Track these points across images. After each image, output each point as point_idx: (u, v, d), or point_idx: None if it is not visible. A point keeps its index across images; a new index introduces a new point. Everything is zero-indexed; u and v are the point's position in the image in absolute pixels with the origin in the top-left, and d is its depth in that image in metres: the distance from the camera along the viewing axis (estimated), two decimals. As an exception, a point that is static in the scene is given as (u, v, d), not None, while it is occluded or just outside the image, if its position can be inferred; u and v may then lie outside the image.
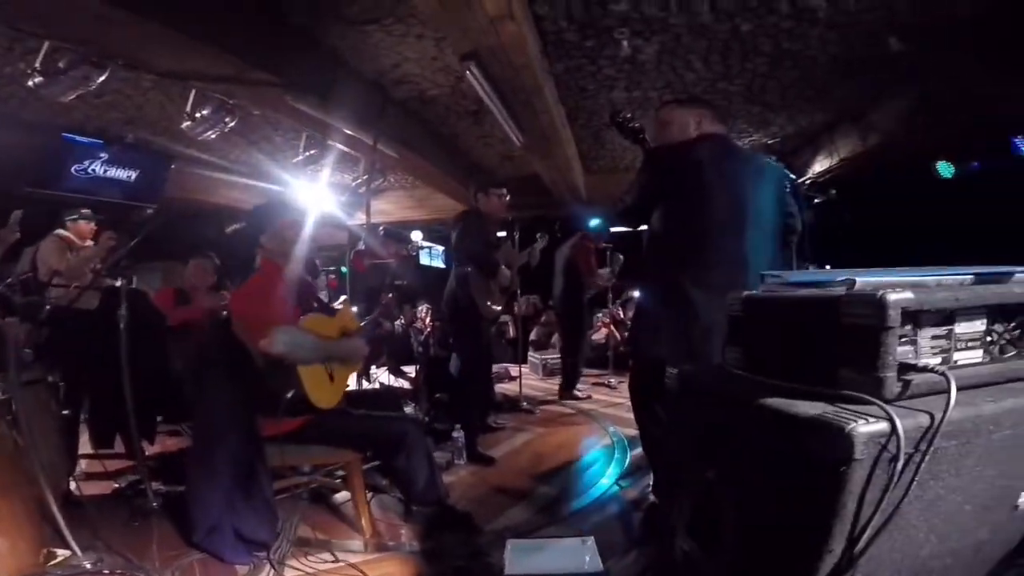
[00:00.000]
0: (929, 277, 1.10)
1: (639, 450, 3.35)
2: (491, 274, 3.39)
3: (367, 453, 2.39)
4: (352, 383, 5.18)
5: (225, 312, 2.82)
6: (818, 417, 0.92)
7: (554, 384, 5.87)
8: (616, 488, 2.90)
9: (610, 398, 5.37)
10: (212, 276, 3.61)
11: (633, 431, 3.73)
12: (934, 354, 1.02)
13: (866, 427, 0.86)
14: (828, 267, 7.62)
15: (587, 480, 3.06)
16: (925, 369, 0.97)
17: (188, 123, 4.19)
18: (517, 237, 3.98)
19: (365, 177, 5.86)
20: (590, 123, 5.44)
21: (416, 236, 7.74)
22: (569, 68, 4.11)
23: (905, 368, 0.96)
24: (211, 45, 3.04)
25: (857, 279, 1.05)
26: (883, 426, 0.86)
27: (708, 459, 1.24)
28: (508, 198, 3.54)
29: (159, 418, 3.00)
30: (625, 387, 5.53)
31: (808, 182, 6.36)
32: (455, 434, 3.36)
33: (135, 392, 2.36)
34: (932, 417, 0.89)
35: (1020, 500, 1.06)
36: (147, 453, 2.68)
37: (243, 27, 3.15)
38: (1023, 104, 3.81)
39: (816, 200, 6.39)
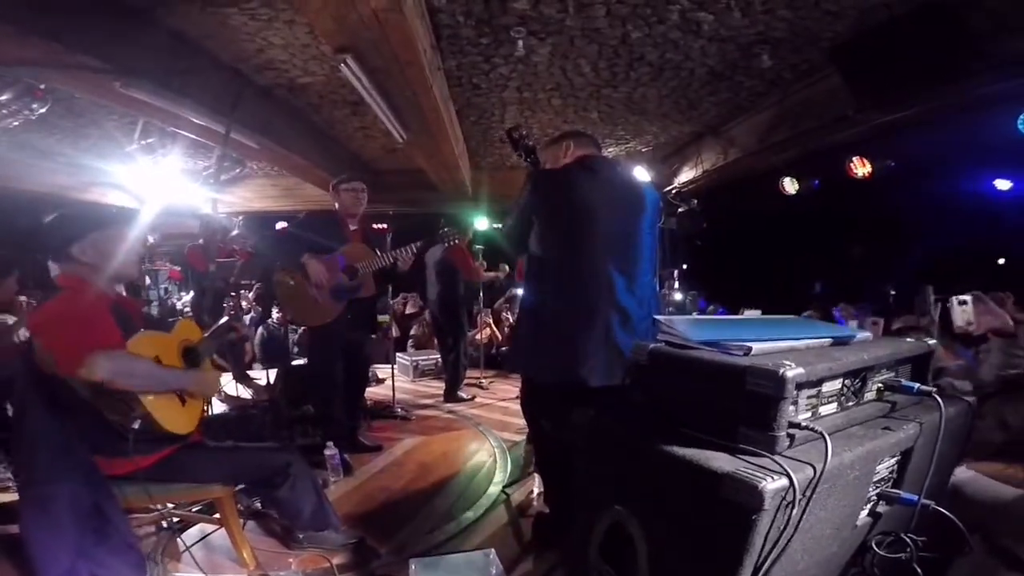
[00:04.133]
0: (799, 342, 1.46)
1: (518, 454, 3.51)
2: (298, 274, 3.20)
3: (240, 486, 2.17)
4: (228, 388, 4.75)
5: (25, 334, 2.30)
6: (733, 474, 1.11)
7: (426, 386, 5.83)
8: (504, 496, 2.94)
9: (483, 399, 5.40)
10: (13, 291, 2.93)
11: (510, 435, 4.01)
12: (807, 409, 1.29)
13: (773, 484, 1.07)
14: (685, 266, 8.20)
15: (475, 489, 3.05)
16: (807, 428, 1.21)
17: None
18: (389, 238, 3.75)
19: (219, 166, 5.26)
20: (480, 121, 5.32)
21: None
22: (462, 64, 3.96)
23: (791, 425, 1.20)
24: (12, 24, 2.53)
25: (752, 345, 1.32)
26: (784, 482, 1.09)
27: (618, 493, 1.41)
28: (364, 193, 3.41)
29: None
30: (496, 388, 5.67)
31: (674, 191, 6.81)
32: (327, 451, 3.08)
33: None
34: (815, 469, 1.13)
35: (858, 520, 1.37)
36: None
37: (59, 5, 2.68)
38: (865, 127, 4.27)
39: (680, 209, 6.91)
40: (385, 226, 3.90)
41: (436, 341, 5.89)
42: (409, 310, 8.18)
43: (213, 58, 3.62)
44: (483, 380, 5.94)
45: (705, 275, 8.21)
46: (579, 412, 1.55)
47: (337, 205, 3.43)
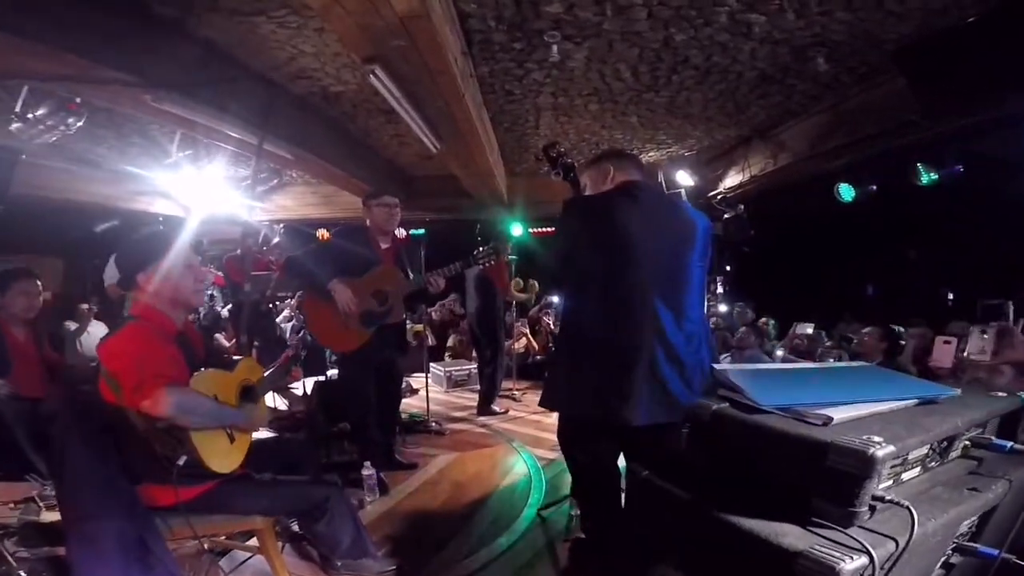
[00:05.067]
0: (883, 404, 1.33)
1: (553, 474, 3.51)
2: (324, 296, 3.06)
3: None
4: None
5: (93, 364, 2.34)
6: (808, 553, 1.01)
7: (459, 397, 5.76)
8: (539, 518, 2.89)
9: (516, 412, 5.33)
10: (36, 302, 2.94)
11: (544, 452, 3.96)
12: (889, 477, 1.16)
13: (851, 564, 0.98)
14: (728, 268, 7.87)
15: (510, 511, 3.00)
16: (892, 502, 1.09)
17: (18, 125, 3.54)
18: (423, 253, 3.66)
19: (254, 177, 5.31)
20: (514, 127, 5.20)
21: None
22: (495, 71, 3.85)
23: (873, 498, 1.09)
24: (42, 43, 2.57)
25: (833, 417, 1.20)
26: (863, 560, 0.99)
27: (668, 553, 1.36)
28: (397, 209, 3.30)
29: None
30: (529, 399, 5.56)
31: (719, 196, 6.54)
32: (364, 472, 3.03)
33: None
34: (896, 543, 1.04)
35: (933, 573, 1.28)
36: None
37: (89, 21, 2.71)
38: (929, 132, 3.99)
39: (726, 215, 6.64)
40: (406, 235, 3.80)
41: (474, 353, 5.83)
42: (443, 317, 8.10)
43: (245, 67, 3.62)
44: (516, 392, 5.88)
45: (753, 283, 7.88)
46: (631, 468, 1.49)
47: (368, 221, 3.30)
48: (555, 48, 3.33)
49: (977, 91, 3.11)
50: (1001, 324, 1.95)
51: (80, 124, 3.62)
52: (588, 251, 1.99)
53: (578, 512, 2.62)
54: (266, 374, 2.27)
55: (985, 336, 1.94)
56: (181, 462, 1.75)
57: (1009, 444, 1.28)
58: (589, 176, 2.19)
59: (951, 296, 7.57)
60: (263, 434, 3.84)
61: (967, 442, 1.33)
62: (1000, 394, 1.47)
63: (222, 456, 1.89)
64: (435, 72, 2.83)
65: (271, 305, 5.20)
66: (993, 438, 1.33)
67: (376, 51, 2.63)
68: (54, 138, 3.62)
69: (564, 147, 2.27)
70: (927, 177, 4.35)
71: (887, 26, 3.16)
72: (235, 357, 2.29)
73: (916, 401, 1.36)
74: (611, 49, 3.49)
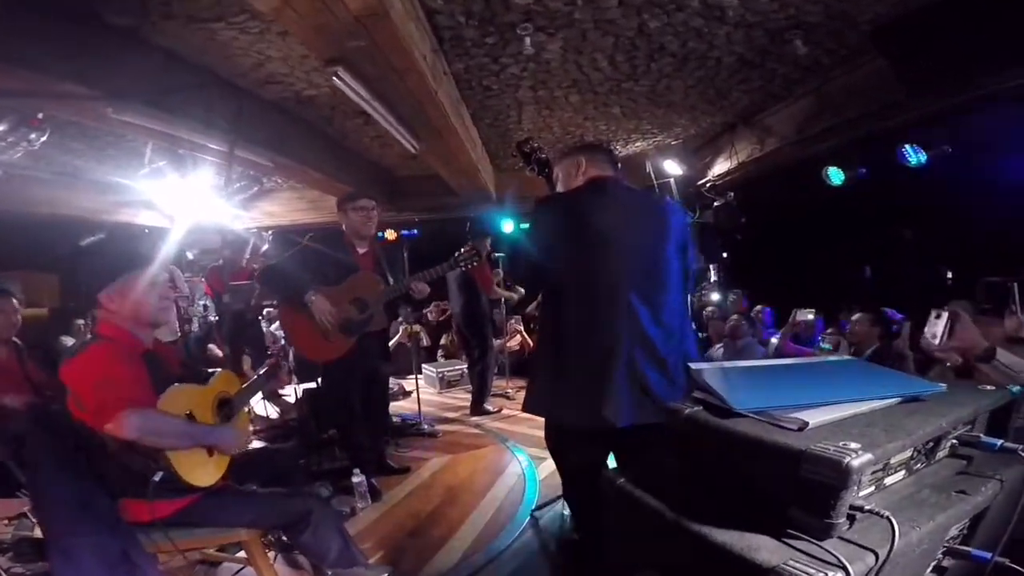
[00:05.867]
0: (862, 404, 1.24)
1: (546, 474, 3.46)
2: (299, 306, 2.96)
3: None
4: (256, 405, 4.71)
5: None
6: (781, 570, 0.96)
7: (453, 398, 5.71)
8: (532, 519, 2.88)
9: (509, 410, 5.29)
10: (14, 319, 2.88)
11: (537, 450, 3.89)
12: (870, 484, 1.10)
13: None
14: (724, 255, 7.81)
15: (504, 513, 2.98)
16: (871, 512, 1.03)
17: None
18: (405, 256, 3.58)
19: (236, 184, 5.22)
20: (496, 123, 5.12)
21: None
22: (470, 67, 3.77)
23: (852, 507, 1.03)
24: None
25: (809, 421, 1.12)
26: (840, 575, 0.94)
27: (652, 557, 1.31)
28: (375, 211, 3.20)
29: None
30: (522, 397, 5.54)
31: (708, 184, 6.47)
32: (355, 479, 3.00)
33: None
34: (876, 556, 0.98)
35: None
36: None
37: (39, 33, 2.62)
38: (915, 113, 3.91)
39: (716, 203, 6.57)
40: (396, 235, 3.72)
41: (464, 352, 5.78)
42: (436, 317, 8.03)
43: (210, 74, 3.52)
44: (509, 390, 5.83)
45: (746, 270, 7.81)
46: (605, 475, 1.42)
47: (344, 226, 3.20)
48: (528, 40, 3.26)
49: (962, 70, 3.03)
50: (951, 309, 1.88)
51: (44, 139, 3.53)
52: (559, 250, 1.93)
53: (570, 513, 2.60)
54: (245, 386, 2.21)
55: (939, 320, 1.86)
56: (157, 478, 1.71)
57: (999, 442, 1.20)
58: (561, 167, 2.15)
59: (950, 275, 7.48)
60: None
61: (955, 441, 1.26)
62: (988, 387, 1.39)
63: (201, 469, 1.85)
64: (402, 71, 2.74)
65: (261, 314, 5.11)
66: (982, 436, 1.25)
67: (336, 52, 2.54)
68: (18, 154, 3.52)
69: (538, 143, 2.23)
70: (916, 159, 4.26)
71: (862, 5, 3.09)
72: (213, 370, 2.21)
73: (899, 399, 1.29)
74: (585, 39, 3.41)
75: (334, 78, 2.67)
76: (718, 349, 5.35)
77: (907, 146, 4.25)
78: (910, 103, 3.60)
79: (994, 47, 2.76)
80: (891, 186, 5.34)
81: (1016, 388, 1.36)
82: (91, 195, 6.10)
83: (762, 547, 1.02)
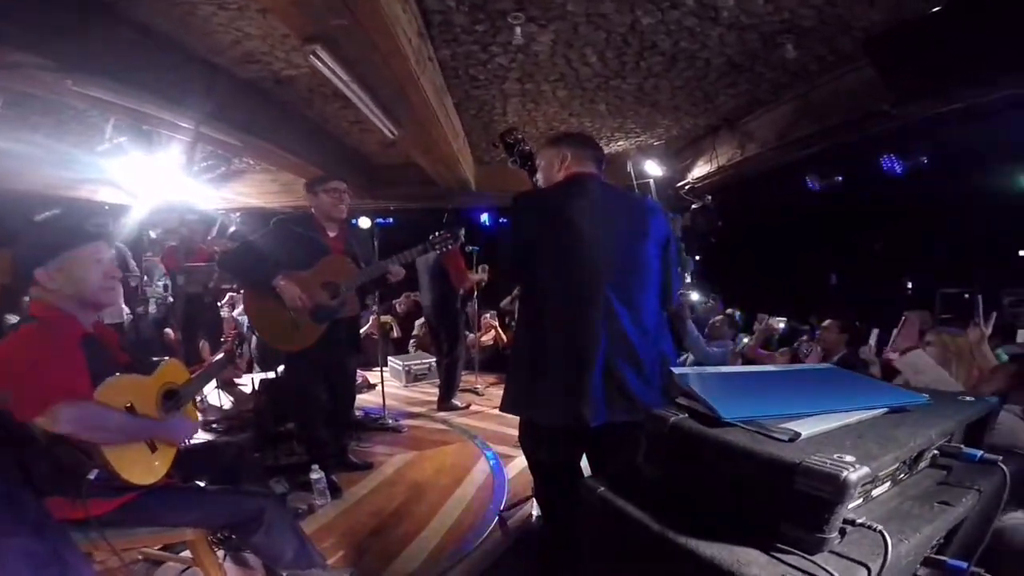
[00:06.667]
0: (851, 415, 1.23)
1: (515, 472, 3.42)
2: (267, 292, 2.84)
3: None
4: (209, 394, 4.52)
5: None
6: None
7: (420, 392, 5.63)
8: (500, 519, 2.82)
9: (478, 406, 5.19)
10: None
11: (507, 449, 3.84)
12: (859, 496, 1.08)
13: None
14: (698, 258, 7.86)
15: (471, 512, 2.92)
16: (865, 526, 1.01)
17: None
18: (376, 242, 3.47)
19: (202, 163, 5.02)
20: (480, 114, 5.03)
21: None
22: (457, 55, 3.68)
23: (844, 521, 1.01)
24: None
25: (801, 432, 1.10)
26: None
27: (632, 569, 1.28)
28: (346, 194, 3.09)
29: None
30: (492, 393, 5.46)
31: (687, 186, 6.50)
32: (313, 475, 2.89)
33: None
34: (869, 570, 0.96)
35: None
36: None
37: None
38: (896, 123, 3.96)
39: (694, 205, 6.60)
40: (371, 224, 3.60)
41: (434, 346, 5.66)
42: (408, 308, 7.89)
43: (185, 51, 3.37)
44: (478, 386, 5.74)
45: (720, 274, 7.90)
46: (585, 483, 1.37)
47: (314, 209, 3.09)
48: (519, 30, 3.19)
49: (948, 80, 3.06)
50: (907, 314, 1.96)
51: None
52: (536, 248, 1.90)
53: (540, 514, 2.57)
54: (194, 375, 2.08)
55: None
56: (92, 476, 1.57)
57: (979, 453, 1.20)
58: (544, 155, 2.09)
59: (910, 285, 7.67)
60: (197, 438, 3.67)
61: (936, 451, 1.25)
62: (968, 398, 1.40)
63: (142, 466, 1.72)
64: (386, 53, 2.65)
65: (221, 299, 4.91)
66: (963, 447, 1.25)
67: (316, 30, 2.43)
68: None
69: (522, 134, 2.18)
70: (896, 168, 4.34)
71: (858, 12, 3.10)
72: (158, 359, 2.06)
73: (885, 410, 1.28)
74: (576, 32, 3.36)
75: (311, 57, 2.56)
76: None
77: (886, 156, 4.32)
78: (895, 112, 3.63)
79: (985, 58, 2.81)
80: (866, 195, 5.45)
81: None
82: (49, 170, 5.81)
83: (752, 562, 0.99)
